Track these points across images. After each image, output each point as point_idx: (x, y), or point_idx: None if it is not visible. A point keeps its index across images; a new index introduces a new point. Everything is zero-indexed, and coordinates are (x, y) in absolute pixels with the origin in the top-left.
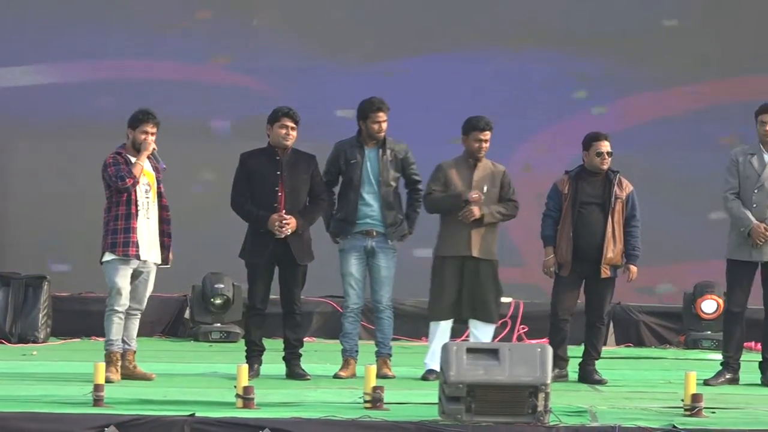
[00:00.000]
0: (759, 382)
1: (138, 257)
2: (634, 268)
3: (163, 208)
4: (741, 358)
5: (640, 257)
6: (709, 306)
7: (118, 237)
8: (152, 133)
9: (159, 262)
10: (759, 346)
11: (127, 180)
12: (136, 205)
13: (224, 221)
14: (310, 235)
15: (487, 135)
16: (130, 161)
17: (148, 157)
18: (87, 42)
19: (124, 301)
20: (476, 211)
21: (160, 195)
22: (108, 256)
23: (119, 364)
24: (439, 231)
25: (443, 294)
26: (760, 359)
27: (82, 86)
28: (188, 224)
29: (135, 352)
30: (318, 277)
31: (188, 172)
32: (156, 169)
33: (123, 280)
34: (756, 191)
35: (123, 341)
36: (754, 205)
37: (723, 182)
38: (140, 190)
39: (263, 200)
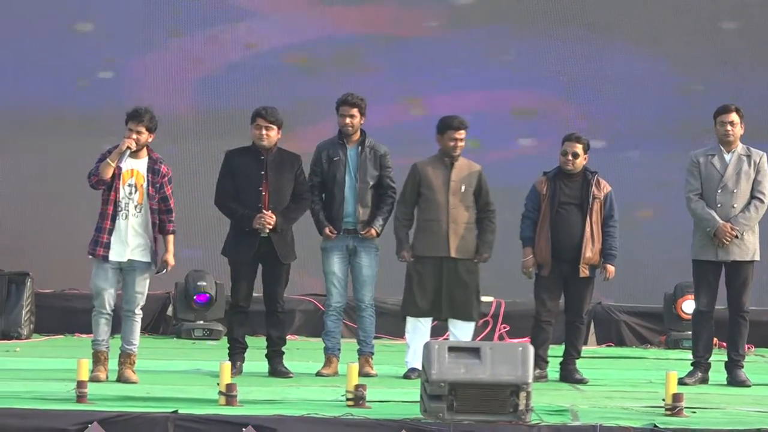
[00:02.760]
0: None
1: (106, 257)
2: (611, 268)
3: (152, 212)
4: (711, 358)
5: (617, 257)
6: (690, 306)
7: (94, 236)
8: (137, 132)
9: (144, 260)
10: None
11: (91, 177)
12: (114, 206)
13: (206, 218)
14: (293, 235)
15: (462, 134)
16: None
17: (152, 158)
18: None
19: (103, 301)
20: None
21: (150, 197)
22: (90, 256)
23: (107, 363)
24: (416, 231)
25: (424, 292)
26: (726, 359)
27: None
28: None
29: (130, 355)
30: (300, 276)
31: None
32: (154, 172)
33: (99, 280)
34: (719, 191)
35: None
36: (719, 205)
37: (685, 184)
38: (123, 189)
39: (247, 199)
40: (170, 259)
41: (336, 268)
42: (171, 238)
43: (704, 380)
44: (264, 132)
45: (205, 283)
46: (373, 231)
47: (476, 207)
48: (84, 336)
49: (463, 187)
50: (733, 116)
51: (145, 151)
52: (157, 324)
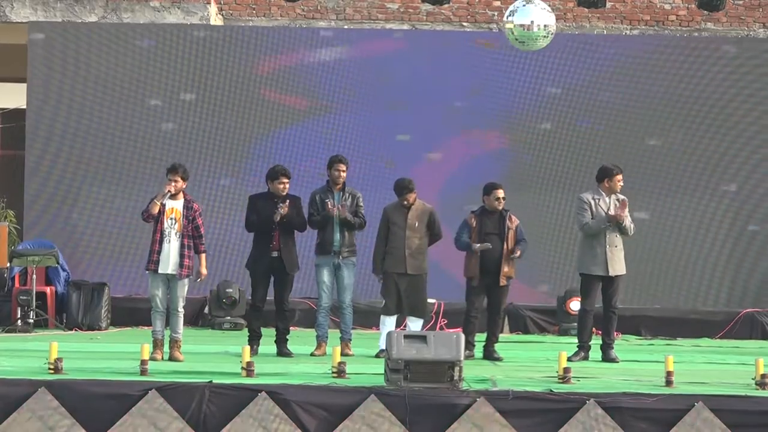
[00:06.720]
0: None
1: (156, 271)
2: (519, 250)
3: (184, 237)
4: (590, 342)
5: (524, 250)
6: (575, 305)
7: (148, 256)
8: (174, 181)
9: (176, 275)
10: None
11: (143, 214)
12: (161, 233)
13: (232, 243)
14: (297, 253)
15: (412, 195)
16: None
17: (186, 199)
18: None
19: (156, 303)
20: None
21: (185, 227)
22: (146, 270)
23: (163, 347)
24: (386, 253)
25: (392, 298)
26: (601, 342)
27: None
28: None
29: (177, 341)
30: (300, 284)
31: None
32: (188, 209)
33: (152, 287)
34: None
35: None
36: (607, 232)
37: (578, 218)
38: (167, 222)
39: (265, 227)
40: (203, 271)
41: (325, 279)
42: (203, 256)
43: (586, 358)
44: (285, 185)
45: (231, 290)
46: (347, 216)
47: (431, 234)
48: (146, 328)
49: (416, 224)
50: (622, 176)
51: (182, 194)
52: (197, 319)
